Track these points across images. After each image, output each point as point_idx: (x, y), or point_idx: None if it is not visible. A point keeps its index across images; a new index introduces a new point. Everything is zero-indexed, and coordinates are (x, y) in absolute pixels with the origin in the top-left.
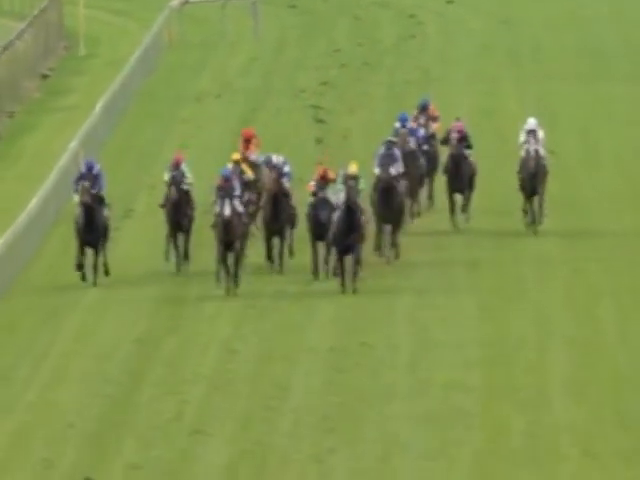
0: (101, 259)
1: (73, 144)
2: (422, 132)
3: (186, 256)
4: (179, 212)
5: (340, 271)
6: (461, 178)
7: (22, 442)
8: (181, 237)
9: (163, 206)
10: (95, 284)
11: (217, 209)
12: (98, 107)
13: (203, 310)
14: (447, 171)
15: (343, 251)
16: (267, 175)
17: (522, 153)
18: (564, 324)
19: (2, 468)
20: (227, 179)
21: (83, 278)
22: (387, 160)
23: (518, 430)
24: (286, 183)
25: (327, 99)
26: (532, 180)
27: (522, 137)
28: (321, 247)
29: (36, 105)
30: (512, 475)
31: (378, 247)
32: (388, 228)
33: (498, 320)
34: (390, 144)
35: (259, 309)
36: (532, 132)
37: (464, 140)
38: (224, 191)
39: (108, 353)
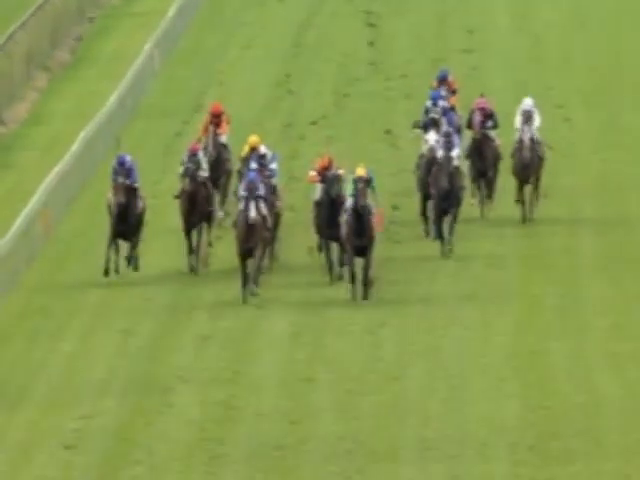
0: (133, 252)
1: (148, 46)
2: (442, 103)
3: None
4: (194, 205)
5: (352, 276)
6: (484, 162)
7: (104, 313)
8: (196, 233)
9: (178, 197)
10: (118, 272)
11: (240, 207)
12: (171, 12)
13: None
14: (470, 155)
15: (355, 254)
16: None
17: (516, 138)
18: (593, 210)
19: (86, 337)
20: (252, 182)
21: (106, 272)
22: (448, 145)
23: (551, 304)
24: (273, 181)
25: (377, 4)
26: (525, 170)
27: (518, 121)
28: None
29: (114, 10)
30: (546, 345)
31: (441, 237)
32: (448, 217)
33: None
34: (448, 131)
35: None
36: (527, 117)
37: (489, 119)
38: (249, 192)
39: (181, 241)
